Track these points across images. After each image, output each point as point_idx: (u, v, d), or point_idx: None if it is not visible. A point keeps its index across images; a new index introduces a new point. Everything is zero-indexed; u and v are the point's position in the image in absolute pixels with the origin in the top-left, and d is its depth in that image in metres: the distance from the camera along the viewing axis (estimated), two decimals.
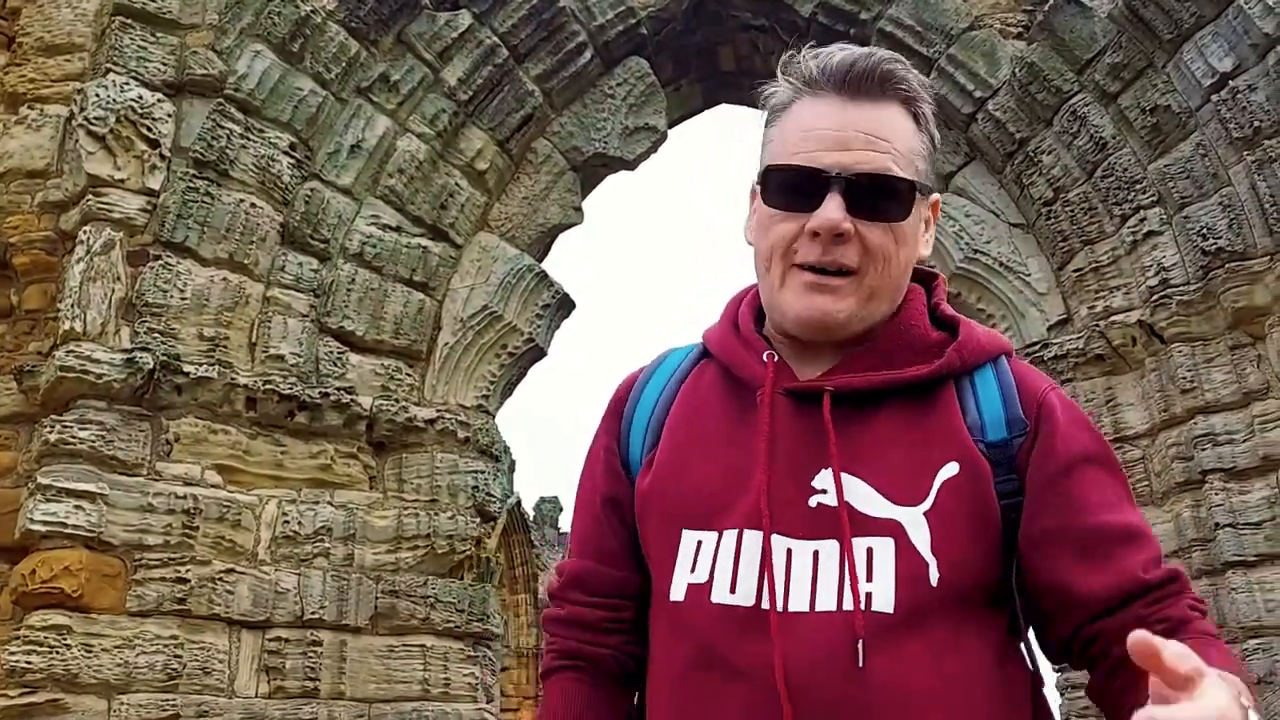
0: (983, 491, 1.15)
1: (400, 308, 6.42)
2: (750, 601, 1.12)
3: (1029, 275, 6.13)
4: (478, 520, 6.34)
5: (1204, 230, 5.30)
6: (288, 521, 5.79)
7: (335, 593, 5.77)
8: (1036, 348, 6.01)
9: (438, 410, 6.35)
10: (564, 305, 6.94)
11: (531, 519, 39.54)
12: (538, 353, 6.79)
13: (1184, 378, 5.36)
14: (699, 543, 1.18)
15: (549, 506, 42.73)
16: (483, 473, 6.42)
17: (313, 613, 5.66)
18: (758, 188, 1.25)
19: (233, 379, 5.73)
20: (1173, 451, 5.40)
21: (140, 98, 5.73)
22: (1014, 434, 1.17)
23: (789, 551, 1.12)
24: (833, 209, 1.13)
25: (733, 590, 1.13)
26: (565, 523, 42.19)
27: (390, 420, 6.18)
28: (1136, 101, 5.51)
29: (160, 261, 5.65)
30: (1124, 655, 0.88)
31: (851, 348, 1.23)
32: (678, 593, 1.19)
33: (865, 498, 1.13)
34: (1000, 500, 1.15)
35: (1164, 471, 5.46)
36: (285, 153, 6.02)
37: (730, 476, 1.19)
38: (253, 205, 5.93)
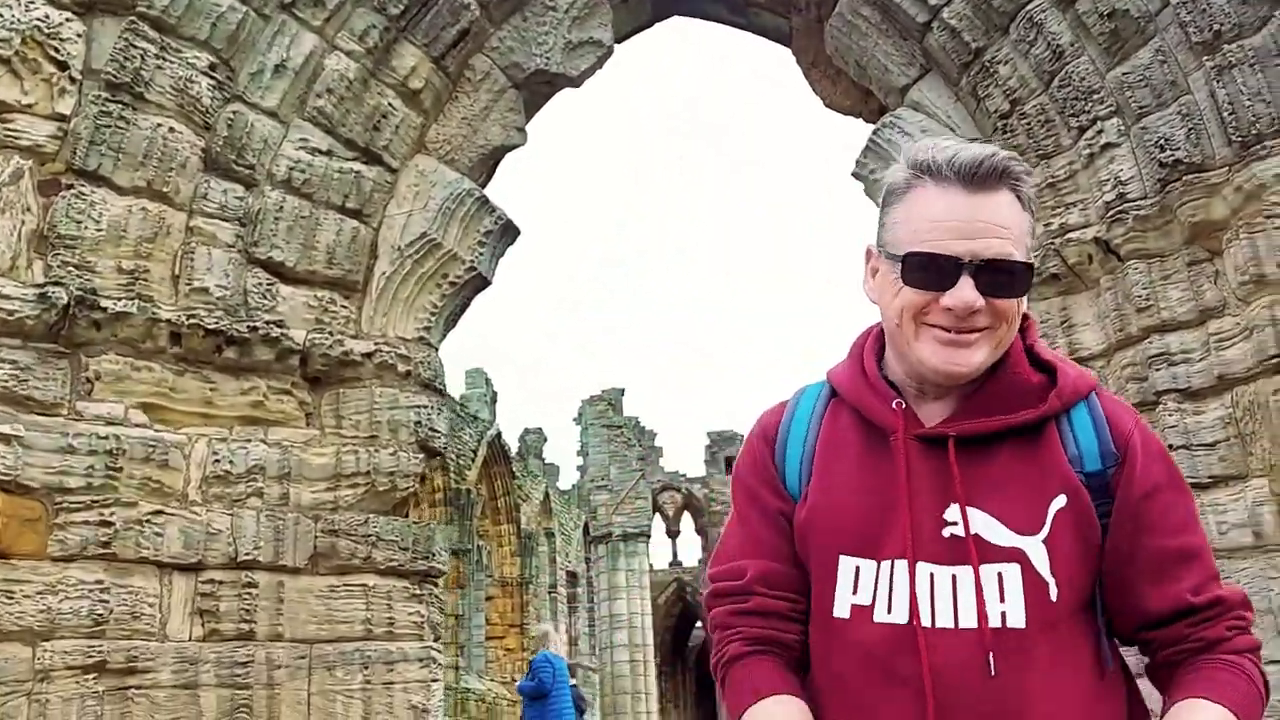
0: (1087, 517, 1.37)
1: (333, 236, 6.16)
2: (905, 620, 1.36)
3: None
4: (421, 457, 6.16)
5: (1162, 141, 5.08)
6: (218, 460, 5.59)
7: (271, 533, 5.60)
8: None
9: (375, 343, 6.13)
10: (508, 232, 6.69)
11: (516, 450, 39.67)
12: (481, 282, 6.55)
13: (1140, 296, 5.18)
14: (857, 568, 1.40)
15: (534, 438, 42.81)
16: (425, 407, 6.22)
17: (247, 554, 5.49)
18: (877, 250, 1.46)
19: (155, 314, 5.48)
20: (1127, 372, 5.24)
21: (46, 17, 5.37)
22: (1107, 465, 1.39)
23: (932, 576, 1.35)
24: (967, 291, 1.34)
25: (889, 610, 1.37)
26: (550, 454, 41.74)
27: (325, 354, 5.96)
28: (1095, 6, 5.24)
29: (73, 191, 5.36)
30: (1165, 659, 1.40)
31: (966, 388, 1.44)
32: (842, 610, 1.42)
33: (991, 528, 1.36)
34: (1101, 520, 1.38)
35: (1119, 393, 5.30)
36: (205, 73, 5.69)
37: (876, 511, 1.41)
38: (171, 130, 5.62)
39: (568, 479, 39.58)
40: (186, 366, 5.63)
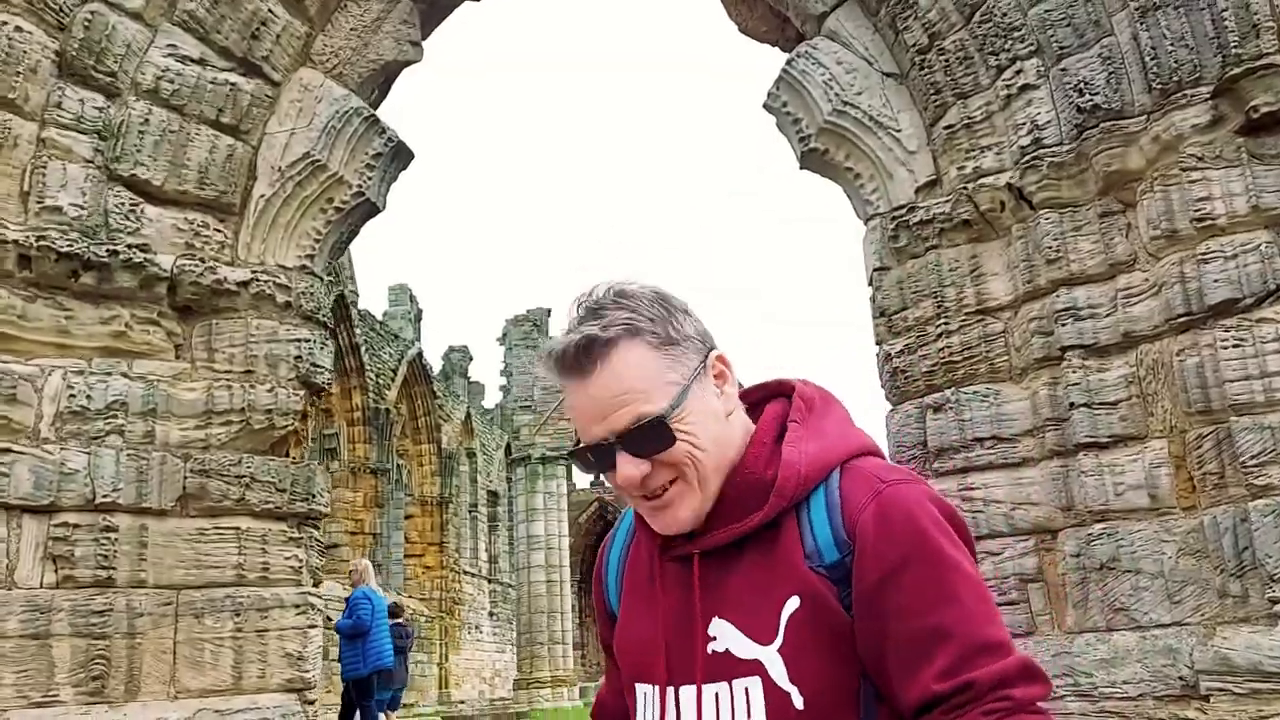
0: (829, 615, 1.26)
1: (206, 154, 5.69)
2: None
3: (899, 131, 5.65)
4: (302, 393, 5.81)
5: (1081, 85, 4.85)
6: (74, 395, 5.19)
7: (133, 473, 5.24)
8: (903, 212, 5.59)
9: (253, 271, 5.72)
10: (400, 155, 6.26)
11: (440, 369, 39.12)
12: (370, 209, 6.15)
13: (1050, 247, 5.00)
14: (645, 695, 1.38)
15: (458, 356, 42.31)
16: (308, 341, 5.85)
17: (106, 496, 5.13)
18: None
19: (0, 234, 5.01)
20: (1034, 326, 5.09)
21: None
22: (844, 554, 1.27)
23: (697, 695, 1.30)
24: (627, 468, 1.30)
25: None
26: (476, 372, 41.16)
27: (195, 283, 5.54)
28: None
29: None
30: None
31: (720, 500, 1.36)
32: None
33: (736, 641, 1.29)
34: (849, 613, 1.26)
35: (1024, 346, 5.16)
36: None
37: (650, 635, 1.38)
38: (18, 29, 5.09)
39: (493, 398, 39.28)
40: (38, 292, 5.19)
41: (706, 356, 1.34)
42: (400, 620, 13.63)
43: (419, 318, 38.75)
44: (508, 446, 33.65)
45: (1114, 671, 4.55)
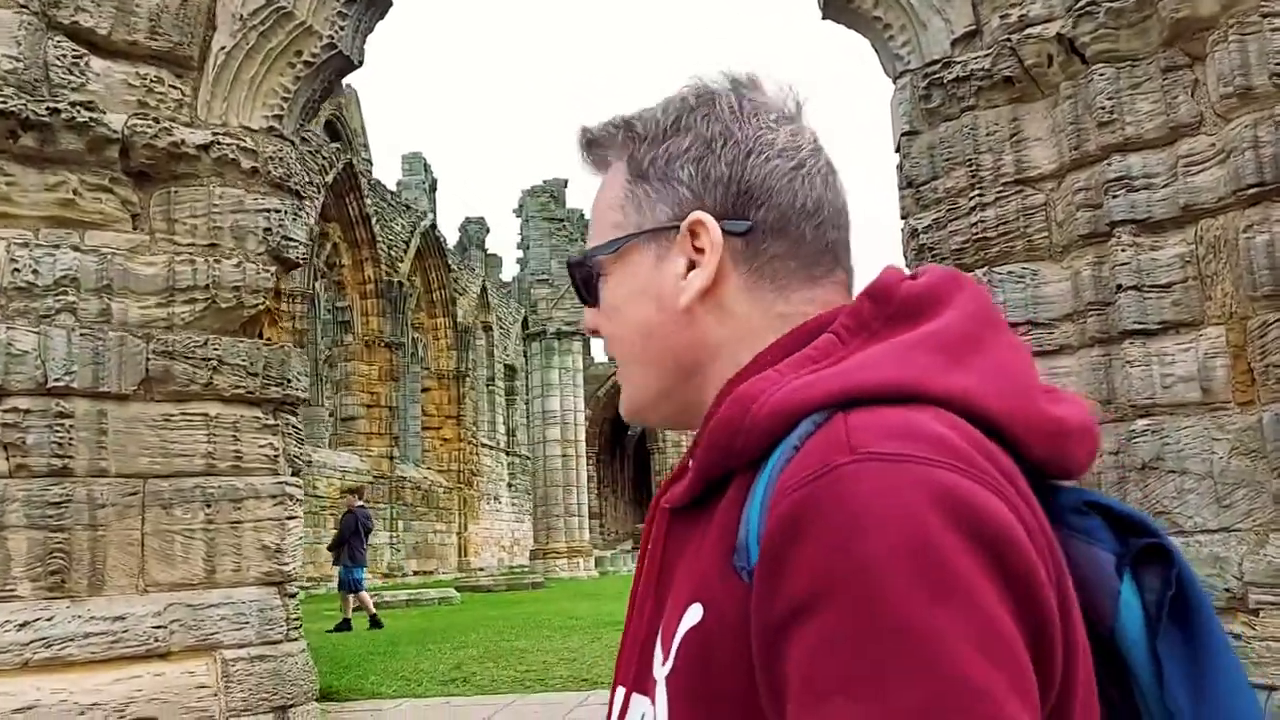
0: (731, 645, 0.70)
1: None
2: None
3: None
4: (273, 269, 5.34)
5: None
6: (19, 269, 4.75)
7: (89, 354, 4.83)
8: (937, 67, 4.97)
9: (214, 133, 5.19)
10: (375, 2, 5.64)
11: (457, 241, 38.63)
12: (343, 62, 5.56)
13: (1103, 107, 4.40)
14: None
15: (475, 227, 41.78)
16: (278, 211, 5.36)
17: (58, 379, 4.74)
18: None
19: None
20: (1079, 198, 4.52)
21: None
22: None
23: (623, 704, 0.86)
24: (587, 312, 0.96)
25: None
26: (491, 244, 40.98)
27: (149, 145, 5.02)
28: None
29: None
30: None
31: None
32: None
33: (660, 642, 0.83)
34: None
35: (1067, 221, 4.60)
36: None
37: (630, 603, 0.94)
38: None
39: (510, 271, 38.75)
40: None
41: (677, 219, 0.85)
42: (361, 503, 14.44)
43: (434, 188, 38.00)
44: (525, 320, 33.34)
45: None
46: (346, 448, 26.18)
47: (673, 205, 0.86)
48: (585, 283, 0.92)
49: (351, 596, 12.57)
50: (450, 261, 32.83)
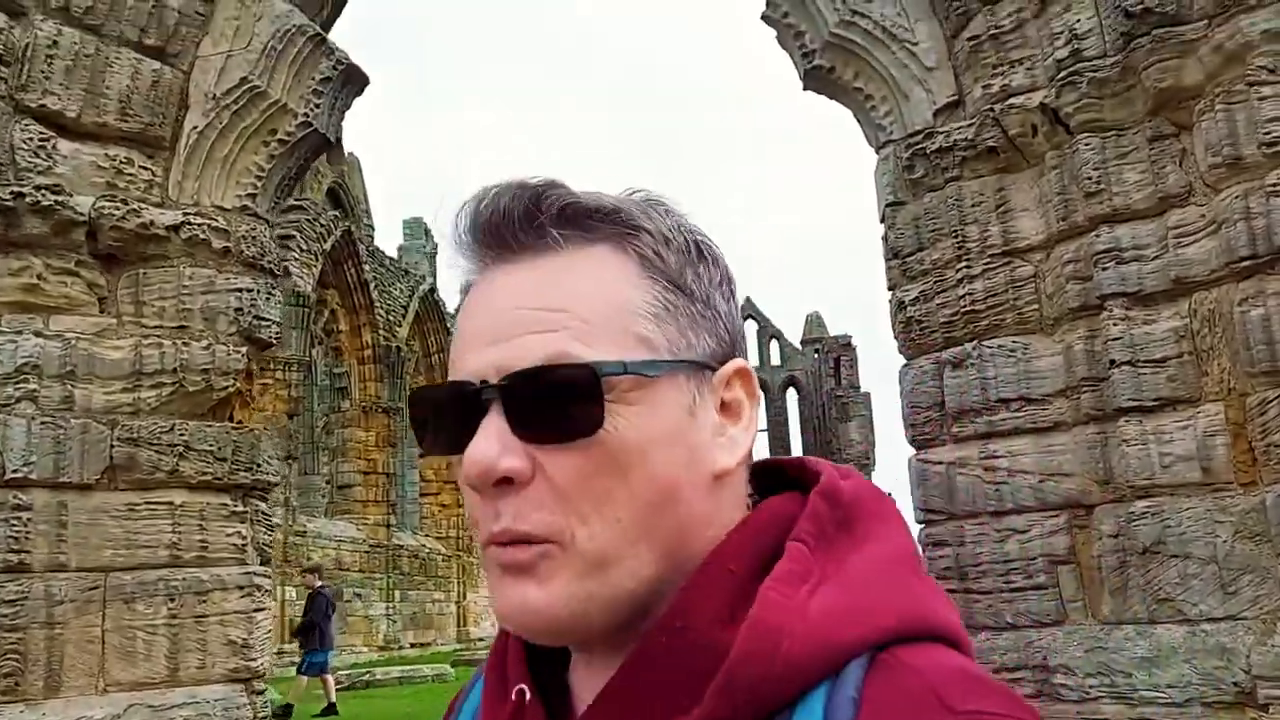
0: None
1: (128, 80, 5.03)
2: None
3: (916, 44, 4.90)
4: (244, 350, 5.20)
5: None
6: None
7: (49, 443, 4.67)
8: (920, 138, 4.87)
9: (185, 214, 5.09)
10: (352, 80, 5.57)
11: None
12: (318, 140, 5.47)
13: (1090, 177, 4.29)
14: None
15: None
16: (249, 290, 5.23)
17: (16, 470, 4.58)
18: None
19: None
20: (1069, 270, 4.39)
21: None
22: None
23: None
24: (482, 440, 0.63)
25: None
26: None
27: (117, 227, 4.92)
28: None
29: None
30: None
31: (628, 640, 0.66)
32: None
33: None
34: None
35: (1057, 293, 4.47)
36: None
37: None
38: None
39: None
40: None
41: (724, 360, 0.71)
42: (322, 584, 13.87)
43: (435, 253, 38.17)
44: None
45: (1157, 673, 3.94)
46: (343, 516, 25.89)
47: (715, 340, 0.71)
48: (571, 395, 0.63)
49: (320, 679, 12.04)
50: (449, 325, 32.80)
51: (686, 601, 0.63)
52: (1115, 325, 4.19)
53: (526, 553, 0.62)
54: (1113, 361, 4.18)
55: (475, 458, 0.62)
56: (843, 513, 0.67)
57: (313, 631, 12.03)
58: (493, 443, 0.62)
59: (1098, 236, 4.28)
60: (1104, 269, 4.24)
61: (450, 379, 0.67)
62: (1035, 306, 4.56)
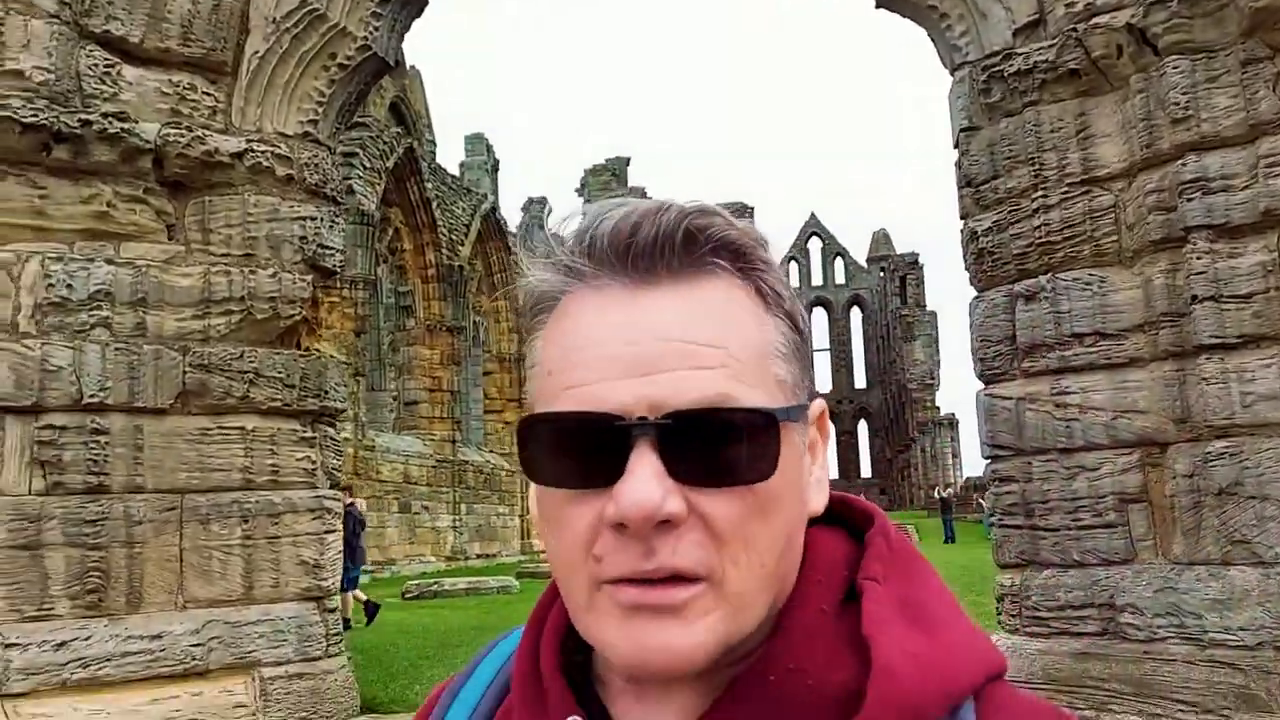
0: None
1: (189, 5, 5.01)
2: None
3: None
4: (309, 278, 5.24)
5: None
6: (54, 284, 4.70)
7: (123, 369, 4.78)
8: (997, 59, 4.67)
9: (248, 140, 5.09)
10: (409, 2, 5.48)
11: (520, 221, 38.72)
12: (378, 63, 5.42)
13: (1177, 102, 4.08)
14: None
15: (537, 208, 41.85)
16: (313, 219, 5.25)
17: (93, 394, 4.69)
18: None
19: None
20: (1152, 200, 4.21)
21: None
22: None
23: None
24: (642, 482, 0.60)
25: None
26: (553, 224, 41.87)
27: (183, 154, 4.94)
28: None
29: None
30: None
31: (714, 679, 0.66)
32: None
33: None
34: None
35: (1138, 224, 4.30)
36: None
37: None
38: None
39: None
40: (7, 169, 4.66)
41: (810, 399, 0.70)
42: (351, 501, 13.76)
43: (496, 169, 38.04)
44: None
45: (1229, 615, 3.86)
46: (409, 431, 26.41)
47: (803, 378, 0.70)
48: (745, 439, 0.62)
49: (352, 594, 12.31)
50: (511, 243, 32.88)
51: (797, 644, 0.64)
52: (1199, 258, 4.02)
53: (684, 592, 0.61)
54: (1194, 296, 4.03)
55: (639, 500, 0.59)
56: (894, 551, 0.69)
57: (345, 548, 12.19)
58: (653, 484, 0.60)
59: (1184, 165, 4.09)
60: (1189, 199, 4.06)
61: (577, 409, 0.63)
62: (1114, 238, 4.40)
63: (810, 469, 0.69)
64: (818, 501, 0.69)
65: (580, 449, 0.62)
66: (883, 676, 0.61)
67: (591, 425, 0.61)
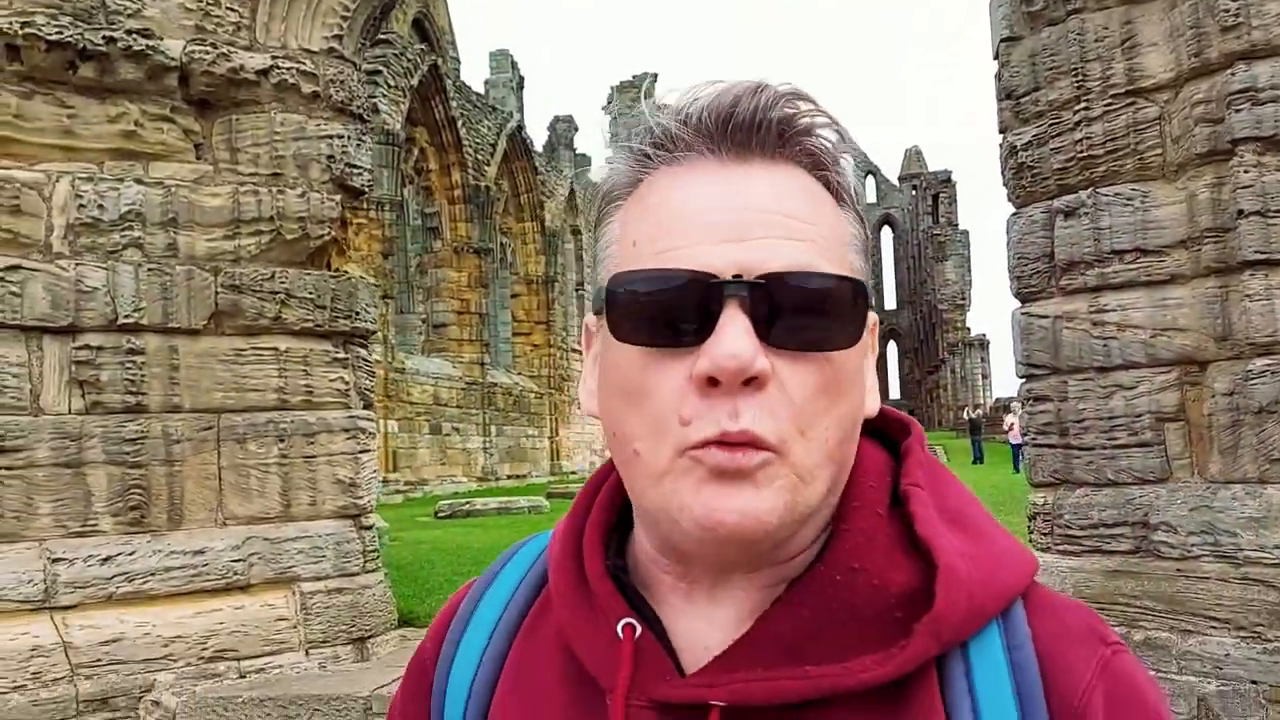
0: None
1: None
2: None
3: None
4: (338, 198, 5.22)
5: None
6: (85, 204, 4.71)
7: (157, 290, 4.80)
8: None
9: (273, 57, 5.03)
10: None
11: (545, 140, 38.30)
12: None
13: (1227, 9, 3.93)
14: None
15: (564, 126, 41.41)
16: (340, 137, 5.21)
17: (127, 315, 4.73)
18: (597, 321, 0.70)
19: None
20: (1199, 111, 4.09)
21: None
22: None
23: None
24: (735, 337, 0.61)
25: None
26: (580, 143, 40.59)
27: (208, 72, 4.90)
28: None
29: None
30: None
31: (768, 575, 0.67)
32: None
33: None
34: None
35: (1184, 137, 4.18)
36: None
37: None
38: None
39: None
40: (34, 88, 4.63)
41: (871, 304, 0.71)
42: None
43: (521, 86, 37.54)
44: None
45: (1265, 533, 3.84)
46: (438, 354, 26.56)
47: (869, 278, 0.72)
48: (834, 307, 0.64)
49: None
50: (537, 164, 32.61)
51: (860, 545, 0.66)
52: (1246, 172, 3.91)
53: (755, 457, 0.61)
54: (1241, 211, 3.93)
55: (733, 352, 0.60)
56: (930, 462, 0.73)
57: None
58: (746, 339, 0.60)
59: (1233, 75, 3.95)
60: (1237, 110, 3.93)
61: (666, 266, 0.63)
62: (1158, 151, 4.28)
63: (866, 375, 0.70)
64: (872, 403, 0.70)
65: (672, 306, 0.62)
66: (948, 576, 0.63)
67: (685, 282, 0.62)
